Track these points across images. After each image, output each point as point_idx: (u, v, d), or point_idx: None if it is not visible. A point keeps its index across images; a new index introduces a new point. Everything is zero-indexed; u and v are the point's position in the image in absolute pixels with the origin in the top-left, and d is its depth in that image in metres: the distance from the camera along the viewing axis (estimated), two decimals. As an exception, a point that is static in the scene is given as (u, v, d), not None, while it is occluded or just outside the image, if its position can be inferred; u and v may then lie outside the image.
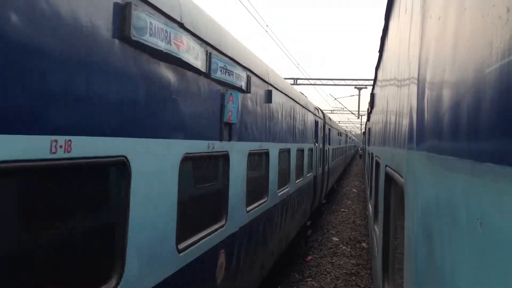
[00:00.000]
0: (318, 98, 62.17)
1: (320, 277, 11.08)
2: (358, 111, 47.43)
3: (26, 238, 2.12)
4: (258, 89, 6.23)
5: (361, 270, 11.75)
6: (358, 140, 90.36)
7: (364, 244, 14.47)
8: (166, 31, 3.03)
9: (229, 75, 4.57)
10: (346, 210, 21.14)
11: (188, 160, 3.74)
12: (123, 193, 2.72)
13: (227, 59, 4.53)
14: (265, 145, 6.86)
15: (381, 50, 6.76)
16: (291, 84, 14.74)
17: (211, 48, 4.07)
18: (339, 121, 72.78)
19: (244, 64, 5.30)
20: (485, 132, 0.96)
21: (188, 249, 3.72)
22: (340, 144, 29.22)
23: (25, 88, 1.88)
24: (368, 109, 16.51)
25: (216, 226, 4.55)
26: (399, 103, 3.13)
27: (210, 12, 5.00)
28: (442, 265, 1.31)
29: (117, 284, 2.62)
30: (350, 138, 57.06)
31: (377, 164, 6.39)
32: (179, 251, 3.53)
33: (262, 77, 6.44)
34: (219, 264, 4.64)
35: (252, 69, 5.76)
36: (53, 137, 2.03)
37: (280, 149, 8.14)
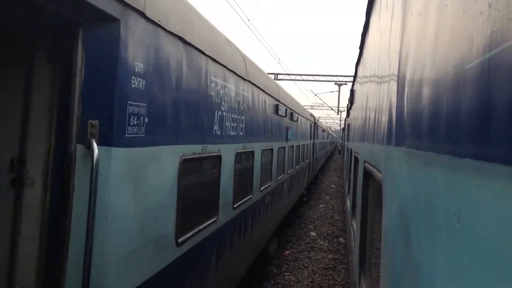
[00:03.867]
0: (299, 93, 62.10)
1: (297, 271, 11.16)
2: (338, 107, 47.79)
3: None
4: None
5: (338, 264, 11.88)
6: (337, 135, 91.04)
7: (341, 239, 14.63)
8: None
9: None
10: (325, 205, 21.31)
11: None
12: None
13: None
14: None
15: (361, 47, 6.79)
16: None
17: None
18: (318, 117, 51.27)
19: None
20: (465, 128, 0.96)
21: None
22: (275, 136, 10.10)
23: None
24: (347, 105, 16.62)
25: None
26: (378, 99, 3.15)
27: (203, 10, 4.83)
28: (418, 260, 1.32)
29: None
30: (325, 132, 41.53)
31: (356, 159, 6.45)
32: None
33: None
34: None
35: None
36: None
37: None
